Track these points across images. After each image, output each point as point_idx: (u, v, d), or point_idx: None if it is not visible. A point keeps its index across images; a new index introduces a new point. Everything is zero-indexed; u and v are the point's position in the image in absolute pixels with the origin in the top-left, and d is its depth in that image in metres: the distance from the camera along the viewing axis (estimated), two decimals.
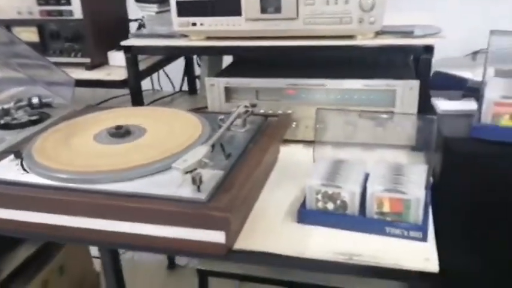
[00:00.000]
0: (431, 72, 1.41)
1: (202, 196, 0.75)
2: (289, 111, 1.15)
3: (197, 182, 0.76)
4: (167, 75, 1.70)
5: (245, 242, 0.80)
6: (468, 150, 0.89)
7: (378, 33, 1.08)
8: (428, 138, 0.90)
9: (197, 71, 1.65)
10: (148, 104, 1.48)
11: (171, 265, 1.93)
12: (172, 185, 0.78)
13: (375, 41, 1.06)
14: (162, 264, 1.94)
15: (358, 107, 1.09)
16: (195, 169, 0.76)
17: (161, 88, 1.73)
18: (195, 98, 1.61)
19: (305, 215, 0.85)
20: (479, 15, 1.51)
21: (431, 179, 0.90)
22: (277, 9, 1.10)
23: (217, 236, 0.74)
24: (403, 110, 1.07)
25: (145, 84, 1.67)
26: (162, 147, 0.88)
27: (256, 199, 0.92)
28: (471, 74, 1.29)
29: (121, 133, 0.95)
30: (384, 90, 1.08)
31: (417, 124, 1.00)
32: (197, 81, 1.65)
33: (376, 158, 1.07)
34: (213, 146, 0.84)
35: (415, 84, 1.05)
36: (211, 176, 0.79)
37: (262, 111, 1.15)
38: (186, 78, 1.66)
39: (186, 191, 0.76)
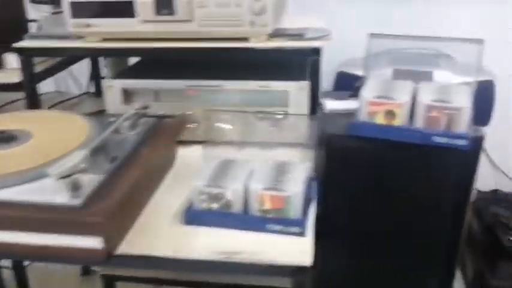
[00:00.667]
0: (337, 72, 1.47)
1: (78, 202, 0.73)
2: (190, 113, 1.15)
3: (73, 188, 0.75)
4: (72, 77, 1.65)
5: (130, 246, 0.80)
6: (346, 146, 0.93)
7: (271, 36, 1.11)
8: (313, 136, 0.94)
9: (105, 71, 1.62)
10: (49, 108, 1.44)
11: (85, 272, 1.88)
12: (48, 191, 0.76)
13: (267, 44, 1.09)
14: (76, 272, 1.88)
15: (255, 107, 1.12)
16: (72, 174, 0.75)
17: (67, 90, 1.68)
18: (101, 100, 1.58)
19: (191, 216, 0.85)
20: (382, 18, 1.58)
21: (315, 175, 0.93)
22: (172, 11, 1.09)
23: (94, 242, 0.73)
24: (296, 110, 1.10)
25: (50, 86, 1.62)
26: (44, 153, 0.85)
27: (146, 202, 0.91)
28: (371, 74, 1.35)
29: (4, 138, 0.92)
30: (278, 91, 1.10)
31: (308, 123, 1.04)
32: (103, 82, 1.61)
33: (271, 156, 1.10)
34: (96, 149, 0.83)
35: (305, 85, 1.08)
36: (90, 180, 0.78)
37: (162, 113, 1.14)
38: (93, 80, 1.63)
39: (62, 197, 0.74)
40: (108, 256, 0.76)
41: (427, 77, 1.24)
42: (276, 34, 1.12)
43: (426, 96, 0.88)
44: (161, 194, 0.96)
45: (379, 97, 0.90)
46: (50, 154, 0.84)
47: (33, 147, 0.90)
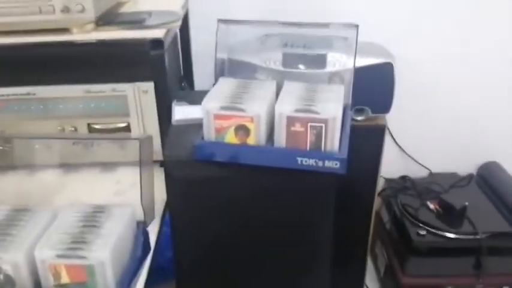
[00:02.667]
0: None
1: None
2: None
3: None
4: None
5: None
6: (189, 176, 0.69)
7: (100, 25, 0.83)
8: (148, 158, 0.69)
9: None
10: None
11: None
12: None
13: (90, 35, 0.81)
14: None
15: (87, 118, 0.85)
16: None
17: None
18: None
19: None
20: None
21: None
22: None
23: None
24: (140, 119, 0.84)
25: None
26: None
27: None
28: (259, 60, 1.10)
29: None
30: (113, 97, 0.83)
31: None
32: None
33: (115, 180, 0.85)
34: None
35: (148, 86, 0.82)
36: None
37: None
38: None
39: None
40: None
41: (321, 60, 1.01)
42: (108, 21, 0.84)
43: (287, 103, 0.65)
44: None
45: (226, 108, 0.66)
46: None
47: None
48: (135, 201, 0.69)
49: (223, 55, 0.84)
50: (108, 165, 0.87)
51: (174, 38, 0.99)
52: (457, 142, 1.57)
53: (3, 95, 0.83)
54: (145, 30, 0.81)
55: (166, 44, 0.83)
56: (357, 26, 0.76)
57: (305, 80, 0.89)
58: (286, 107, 0.65)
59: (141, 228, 0.66)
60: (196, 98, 0.87)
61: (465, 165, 1.60)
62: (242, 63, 0.94)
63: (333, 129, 0.63)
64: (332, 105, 0.64)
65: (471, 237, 1.30)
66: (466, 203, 1.34)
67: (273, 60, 0.99)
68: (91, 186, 0.81)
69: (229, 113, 0.66)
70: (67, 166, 0.86)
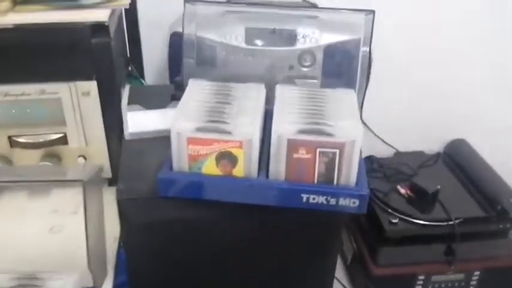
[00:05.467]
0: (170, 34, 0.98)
1: None
2: None
3: None
4: None
5: None
6: (152, 218, 0.50)
7: (20, 3, 0.60)
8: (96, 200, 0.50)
9: None
10: None
11: None
12: None
13: (8, 18, 0.58)
14: None
15: (8, 129, 0.62)
16: None
17: None
18: None
19: None
20: None
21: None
22: None
23: None
24: (80, 127, 0.63)
25: None
26: None
27: None
28: (217, 36, 0.90)
29: None
30: (42, 101, 0.61)
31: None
32: None
33: (50, 208, 0.64)
34: None
35: (90, 86, 0.61)
36: None
37: None
38: None
39: None
40: None
41: (290, 37, 0.83)
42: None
43: (288, 121, 0.47)
44: None
45: (204, 130, 0.47)
46: None
47: None
48: (78, 248, 0.50)
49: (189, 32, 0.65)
50: (39, 188, 0.66)
51: (120, 18, 0.77)
52: (424, 119, 1.48)
53: None
54: (83, 10, 0.59)
55: (112, 28, 0.62)
56: (373, 12, 0.59)
57: (272, 60, 0.72)
58: (287, 127, 0.47)
59: None
60: (152, 95, 0.67)
61: (432, 143, 1.52)
62: (201, 39, 0.74)
63: (350, 155, 0.47)
64: (349, 123, 0.47)
65: (444, 223, 1.21)
66: (438, 187, 1.25)
67: (235, 35, 0.80)
68: (16, 221, 0.60)
69: (208, 136, 0.47)
70: None
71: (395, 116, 1.41)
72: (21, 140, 0.63)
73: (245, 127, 0.47)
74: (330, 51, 0.78)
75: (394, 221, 1.21)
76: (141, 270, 0.53)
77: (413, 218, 1.22)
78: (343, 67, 0.96)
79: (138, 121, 0.60)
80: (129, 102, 0.65)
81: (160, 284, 0.54)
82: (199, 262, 0.54)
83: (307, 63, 0.80)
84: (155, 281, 0.54)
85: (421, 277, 1.30)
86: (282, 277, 0.58)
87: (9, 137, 0.63)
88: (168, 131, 0.57)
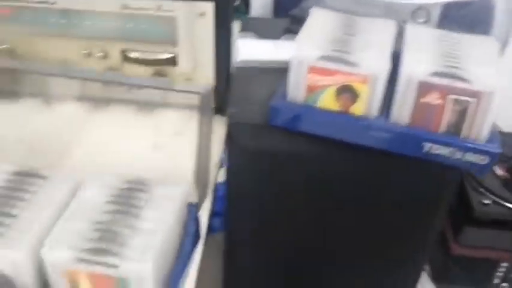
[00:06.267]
0: None
1: None
2: (4, 46, 0.65)
3: None
4: None
5: None
6: (261, 146, 0.48)
7: None
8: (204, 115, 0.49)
9: None
10: None
11: None
12: None
13: None
14: None
15: (122, 42, 0.63)
16: None
17: None
18: None
19: None
20: None
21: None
22: None
23: None
24: (191, 50, 0.62)
25: None
26: None
27: None
28: None
29: None
30: (157, 17, 0.61)
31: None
32: None
33: (154, 126, 0.65)
34: None
35: (207, 7, 0.59)
36: None
37: None
38: None
39: None
40: None
41: None
42: None
43: (421, 60, 0.42)
44: None
45: (329, 58, 0.43)
46: None
47: None
48: (181, 165, 0.50)
49: None
50: (145, 106, 0.66)
51: None
52: None
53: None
54: None
55: None
56: None
57: (384, 11, 0.66)
58: (420, 67, 0.42)
59: (193, 214, 0.47)
60: (265, 27, 0.64)
61: None
62: None
63: (486, 108, 0.42)
64: (489, 72, 0.42)
65: None
66: None
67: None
68: (123, 134, 0.62)
69: (332, 66, 0.44)
70: (92, 101, 0.66)
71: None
72: (132, 55, 0.63)
73: (374, 61, 0.43)
74: (449, 10, 0.70)
75: (486, 201, 1.13)
76: (240, 198, 0.52)
77: (507, 202, 1.13)
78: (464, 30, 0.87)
79: (251, 49, 0.58)
80: (242, 31, 0.62)
81: (255, 211, 0.53)
82: (297, 199, 0.52)
83: (421, 20, 0.73)
84: (251, 208, 0.53)
85: (504, 264, 1.21)
86: (379, 231, 0.55)
87: (122, 51, 0.63)
88: (281, 63, 0.54)
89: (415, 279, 0.63)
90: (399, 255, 0.58)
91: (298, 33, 0.48)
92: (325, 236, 0.55)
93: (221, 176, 0.58)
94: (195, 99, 0.64)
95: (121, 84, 0.51)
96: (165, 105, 0.66)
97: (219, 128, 0.56)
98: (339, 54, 0.44)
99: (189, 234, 0.46)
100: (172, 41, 0.62)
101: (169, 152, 0.59)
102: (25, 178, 0.45)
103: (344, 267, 0.60)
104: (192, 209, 0.47)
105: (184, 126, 0.65)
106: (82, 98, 0.65)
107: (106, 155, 0.56)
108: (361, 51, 0.44)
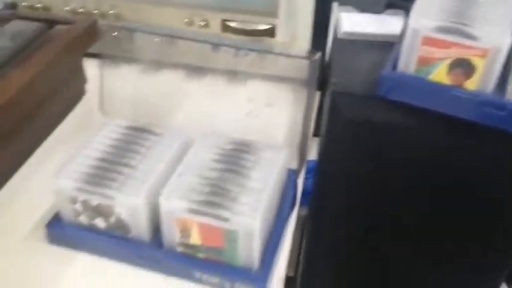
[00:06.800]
0: None
1: None
2: (112, 11, 0.68)
3: None
4: None
5: None
6: (364, 117, 0.48)
7: None
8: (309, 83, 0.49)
9: None
10: None
11: None
12: None
13: None
14: None
15: (222, 12, 0.64)
16: None
17: None
18: None
19: (58, 232, 0.45)
20: None
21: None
22: None
23: None
24: (290, 22, 0.63)
25: None
26: None
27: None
28: None
29: None
30: None
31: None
32: None
33: (246, 96, 0.66)
34: None
35: None
36: None
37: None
38: None
39: None
40: None
41: None
42: None
43: None
44: (37, 163, 0.54)
45: (446, 30, 0.42)
46: None
47: None
48: (273, 134, 0.51)
49: None
50: (237, 76, 0.68)
51: None
52: None
53: None
54: None
55: None
56: None
57: None
58: None
59: (293, 180, 0.48)
60: (362, 1, 0.63)
61: None
62: None
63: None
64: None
65: None
66: None
67: None
68: (219, 101, 0.63)
69: (449, 38, 0.42)
70: (189, 69, 0.68)
71: None
72: (232, 24, 0.64)
73: (495, 34, 0.41)
74: None
75: None
76: (332, 169, 0.52)
77: None
78: None
79: (352, 22, 0.57)
80: (341, 4, 0.62)
81: (348, 185, 0.53)
82: (394, 177, 0.51)
83: None
84: (344, 181, 0.53)
85: None
86: (469, 220, 0.53)
87: (223, 20, 0.64)
88: (386, 36, 0.54)
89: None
90: (487, 250, 0.56)
91: (410, 5, 0.47)
92: (417, 219, 0.54)
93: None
94: (288, 72, 0.65)
95: (235, 47, 0.52)
96: (256, 76, 0.67)
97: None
98: (457, 25, 0.43)
99: (287, 198, 0.47)
100: (273, 12, 0.62)
101: (262, 121, 0.60)
102: (139, 133, 0.47)
103: (431, 254, 0.58)
104: (292, 175, 0.48)
105: (275, 97, 0.65)
106: (182, 67, 0.68)
107: (204, 118, 0.58)
108: (480, 24, 0.43)
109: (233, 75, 0.68)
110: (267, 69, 0.66)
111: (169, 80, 0.65)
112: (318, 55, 0.45)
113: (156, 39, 0.63)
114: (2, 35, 0.53)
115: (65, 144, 0.53)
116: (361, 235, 0.57)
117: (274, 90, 0.66)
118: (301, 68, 0.55)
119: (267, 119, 0.60)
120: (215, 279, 0.42)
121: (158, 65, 0.64)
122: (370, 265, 0.62)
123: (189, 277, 0.42)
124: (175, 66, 0.66)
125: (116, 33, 0.57)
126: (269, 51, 0.51)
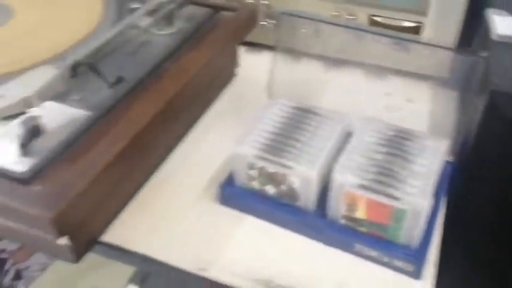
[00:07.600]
0: None
1: (23, 167, 0.40)
2: (265, 2, 0.73)
3: (24, 139, 0.41)
4: None
5: (120, 235, 0.47)
6: None
7: None
8: (468, 81, 0.51)
9: None
10: None
11: None
12: None
13: None
14: None
15: (369, 8, 0.67)
16: (24, 112, 0.41)
17: None
18: None
19: (230, 195, 0.50)
20: None
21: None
22: None
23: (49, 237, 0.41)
24: (438, 20, 0.65)
25: None
26: (30, 44, 0.51)
27: (162, 157, 0.56)
28: None
29: None
30: None
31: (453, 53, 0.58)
32: None
33: (384, 90, 0.68)
34: (95, 58, 0.47)
35: None
36: (62, 123, 0.43)
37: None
38: None
39: (5, 155, 0.41)
40: (77, 256, 0.44)
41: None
42: None
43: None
44: (197, 137, 0.59)
45: None
46: (38, 50, 0.50)
47: (11, 32, 0.55)
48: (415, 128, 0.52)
49: None
50: (375, 70, 0.70)
51: None
52: None
53: None
54: None
55: None
56: None
57: None
58: None
59: (448, 171, 0.50)
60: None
61: None
62: None
63: None
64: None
65: None
66: None
67: None
68: (356, 91, 0.66)
69: None
70: (329, 60, 0.71)
71: None
72: (379, 19, 0.67)
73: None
74: None
75: None
76: (484, 170, 0.54)
77: None
78: None
79: (506, 25, 0.58)
80: (491, 7, 0.63)
81: (501, 185, 0.54)
82: None
83: None
84: (497, 183, 0.54)
85: None
86: None
87: (370, 15, 0.67)
88: None
89: None
90: None
91: None
92: None
93: None
94: (426, 69, 0.66)
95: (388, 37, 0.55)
96: (396, 72, 0.69)
97: None
98: None
99: (442, 188, 0.49)
100: (422, 11, 0.64)
101: (401, 116, 0.63)
102: (305, 113, 0.51)
103: None
104: (447, 166, 0.50)
105: (415, 94, 0.67)
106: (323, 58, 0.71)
107: (344, 107, 0.61)
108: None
109: (372, 68, 0.70)
110: (410, 65, 0.68)
111: (312, 69, 0.69)
112: (484, 53, 0.46)
113: (303, 30, 0.68)
114: (180, 18, 0.59)
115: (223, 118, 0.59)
116: (505, 240, 0.58)
117: (414, 86, 0.68)
118: (451, 66, 0.57)
119: (406, 115, 0.63)
120: (374, 253, 0.45)
121: (303, 55, 0.68)
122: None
123: (348, 248, 0.46)
124: (316, 58, 0.69)
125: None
126: (435, 45, 0.53)
